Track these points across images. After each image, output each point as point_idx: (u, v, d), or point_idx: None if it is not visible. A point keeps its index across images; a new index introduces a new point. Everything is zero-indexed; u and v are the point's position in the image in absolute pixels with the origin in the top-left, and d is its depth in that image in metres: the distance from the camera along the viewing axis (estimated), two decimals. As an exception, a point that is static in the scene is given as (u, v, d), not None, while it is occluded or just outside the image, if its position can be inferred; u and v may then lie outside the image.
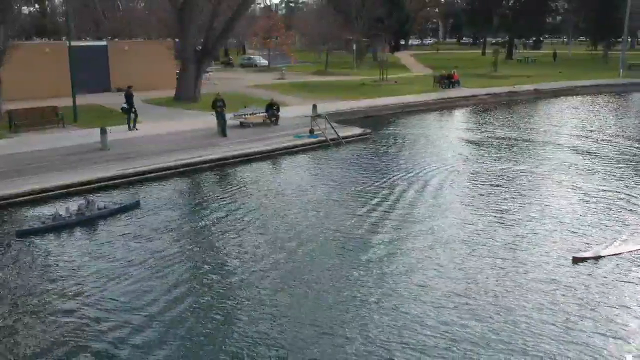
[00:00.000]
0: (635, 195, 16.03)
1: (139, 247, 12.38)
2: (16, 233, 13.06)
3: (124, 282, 10.71)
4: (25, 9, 59.03)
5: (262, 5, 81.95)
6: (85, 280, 10.78)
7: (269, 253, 12.01)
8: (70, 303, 9.96)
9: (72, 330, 9.07)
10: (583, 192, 16.34)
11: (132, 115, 23.87)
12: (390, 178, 18.00)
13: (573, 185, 17.10)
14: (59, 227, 13.34)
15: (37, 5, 66.51)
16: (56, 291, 10.39)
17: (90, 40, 49.63)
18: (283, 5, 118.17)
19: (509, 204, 15.28)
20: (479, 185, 17.24)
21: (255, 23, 63.12)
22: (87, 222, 13.71)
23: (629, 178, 17.99)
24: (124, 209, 14.71)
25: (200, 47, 33.99)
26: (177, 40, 36.92)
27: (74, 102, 25.93)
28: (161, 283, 10.68)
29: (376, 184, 17.41)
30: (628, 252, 12.05)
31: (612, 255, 11.90)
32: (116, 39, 46.38)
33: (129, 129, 23.82)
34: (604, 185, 17.02)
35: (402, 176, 18.20)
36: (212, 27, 33.62)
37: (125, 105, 23.79)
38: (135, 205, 15.09)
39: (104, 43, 39.22)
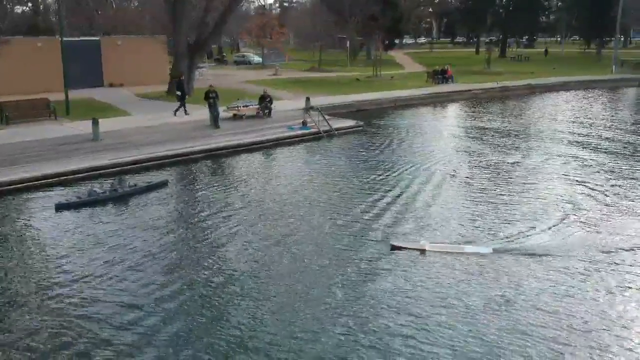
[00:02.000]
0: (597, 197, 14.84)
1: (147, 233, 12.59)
2: (55, 206, 13.95)
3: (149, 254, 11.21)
4: (18, 8, 58.88)
5: (256, 4, 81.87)
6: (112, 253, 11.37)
7: (267, 241, 12.02)
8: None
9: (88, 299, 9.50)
10: (539, 186, 15.83)
11: (184, 101, 25.80)
12: (379, 167, 18.10)
13: (531, 179, 16.60)
14: (93, 202, 14.36)
15: (29, 4, 66.17)
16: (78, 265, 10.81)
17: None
18: (277, 4, 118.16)
19: (461, 193, 15.34)
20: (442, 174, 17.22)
21: (249, 21, 63.08)
22: (119, 198, 14.69)
23: (609, 175, 17.31)
24: (153, 187, 15.64)
25: (193, 43, 33.92)
26: (170, 38, 36.84)
27: (67, 95, 25.84)
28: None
29: (366, 172, 17.49)
30: (456, 252, 11.01)
31: (437, 252, 10.98)
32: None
33: (175, 114, 25.35)
34: (571, 183, 16.23)
35: (390, 166, 18.30)
36: (204, 22, 33.58)
37: (179, 93, 26.04)
38: (164, 184, 15.98)
39: (96, 38, 39.07)
